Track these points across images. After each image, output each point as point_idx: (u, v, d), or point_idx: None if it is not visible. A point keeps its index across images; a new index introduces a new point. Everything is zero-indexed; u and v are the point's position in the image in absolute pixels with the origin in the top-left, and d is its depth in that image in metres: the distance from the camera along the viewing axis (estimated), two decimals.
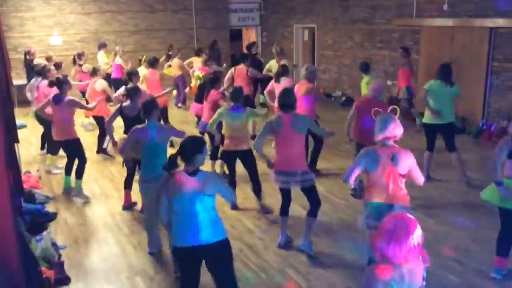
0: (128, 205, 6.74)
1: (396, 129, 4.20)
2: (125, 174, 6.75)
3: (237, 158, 6.51)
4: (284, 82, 8.20)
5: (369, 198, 4.32)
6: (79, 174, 7.15)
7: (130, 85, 7.52)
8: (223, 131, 6.57)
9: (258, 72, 10.28)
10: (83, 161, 7.18)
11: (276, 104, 8.40)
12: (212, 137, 7.35)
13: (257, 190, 6.49)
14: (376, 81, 7.07)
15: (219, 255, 3.77)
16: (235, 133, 6.33)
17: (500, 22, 9.11)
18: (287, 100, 5.25)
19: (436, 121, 7.04)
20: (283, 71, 8.48)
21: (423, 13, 10.91)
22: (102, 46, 13.34)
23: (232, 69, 10.11)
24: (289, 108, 5.24)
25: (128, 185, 6.71)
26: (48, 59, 11.15)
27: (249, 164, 6.42)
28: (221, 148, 6.89)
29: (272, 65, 10.63)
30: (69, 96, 7.11)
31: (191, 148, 3.69)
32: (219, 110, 6.45)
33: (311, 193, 5.31)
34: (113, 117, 6.58)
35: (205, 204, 3.68)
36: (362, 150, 4.41)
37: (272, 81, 8.64)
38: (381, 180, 4.19)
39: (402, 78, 10.28)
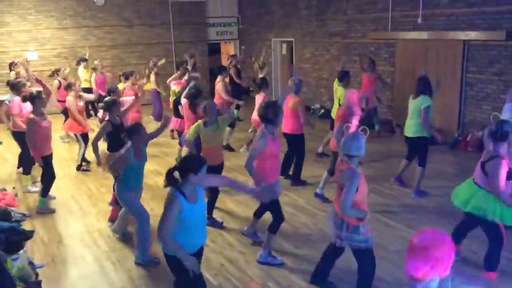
0: (114, 219, 6.62)
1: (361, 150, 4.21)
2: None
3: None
4: (260, 94, 8.44)
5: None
6: (45, 192, 7.07)
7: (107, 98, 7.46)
8: (202, 145, 6.47)
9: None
10: (52, 178, 7.12)
11: (254, 117, 8.46)
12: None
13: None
14: (349, 91, 6.83)
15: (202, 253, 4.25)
16: (213, 145, 6.31)
17: (472, 35, 9.34)
18: (266, 114, 5.21)
19: (407, 133, 7.14)
20: (262, 84, 8.61)
21: (398, 27, 11.12)
22: (82, 60, 13.17)
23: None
24: (268, 122, 5.21)
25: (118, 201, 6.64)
26: (18, 74, 10.98)
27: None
28: None
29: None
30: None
31: (187, 167, 3.75)
32: (195, 125, 6.35)
33: (274, 206, 5.36)
34: (99, 137, 6.50)
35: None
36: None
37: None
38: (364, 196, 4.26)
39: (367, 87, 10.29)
